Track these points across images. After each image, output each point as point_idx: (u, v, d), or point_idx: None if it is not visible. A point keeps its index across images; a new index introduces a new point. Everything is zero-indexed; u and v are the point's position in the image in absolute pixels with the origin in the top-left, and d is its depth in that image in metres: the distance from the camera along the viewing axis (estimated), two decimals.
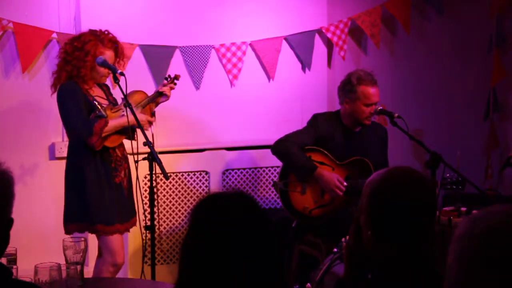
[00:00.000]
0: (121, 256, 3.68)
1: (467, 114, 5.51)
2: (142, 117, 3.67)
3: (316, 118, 4.10)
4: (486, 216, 1.23)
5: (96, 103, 3.65)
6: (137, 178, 3.60)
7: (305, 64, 5.03)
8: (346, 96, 4.01)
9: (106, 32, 3.70)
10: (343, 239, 2.89)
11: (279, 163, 4.09)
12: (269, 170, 4.93)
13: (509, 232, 1.19)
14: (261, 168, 4.90)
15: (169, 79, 3.99)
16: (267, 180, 4.93)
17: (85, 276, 2.68)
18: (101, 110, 3.61)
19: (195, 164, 4.69)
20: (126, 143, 3.75)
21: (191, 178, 4.69)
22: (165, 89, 3.88)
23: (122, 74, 3.56)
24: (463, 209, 3.89)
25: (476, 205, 3.84)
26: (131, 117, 3.53)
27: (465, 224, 1.25)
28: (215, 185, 4.74)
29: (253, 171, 4.88)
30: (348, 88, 4.00)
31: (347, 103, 4.02)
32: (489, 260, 1.18)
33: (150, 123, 3.70)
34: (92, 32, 3.69)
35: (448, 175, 3.87)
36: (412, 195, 1.83)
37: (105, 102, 3.73)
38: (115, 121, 3.61)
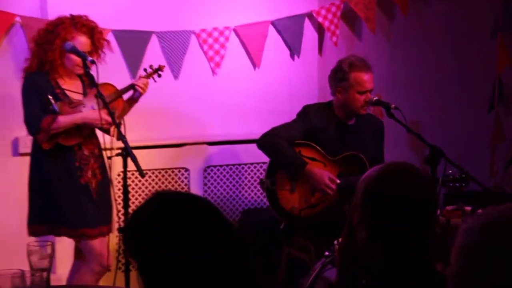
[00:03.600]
0: (108, 258, 3.71)
1: (470, 105, 5.53)
2: (94, 115, 3.59)
3: (306, 110, 4.09)
4: (489, 211, 1.25)
5: (51, 98, 3.59)
6: (110, 176, 3.58)
7: (294, 51, 5.02)
8: (338, 85, 4.01)
9: (83, 17, 3.66)
10: (335, 242, 2.89)
11: (265, 159, 4.08)
12: (255, 167, 4.93)
13: (508, 224, 1.20)
14: (246, 164, 4.90)
15: (149, 70, 3.95)
16: (252, 177, 4.93)
17: (52, 283, 2.66)
18: (54, 105, 3.56)
19: (174, 160, 4.68)
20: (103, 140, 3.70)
21: (169, 175, 4.69)
22: (138, 83, 3.83)
23: (93, 62, 3.53)
24: (467, 208, 3.90)
25: (480, 204, 3.86)
26: (85, 115, 3.51)
27: (466, 222, 1.27)
28: (195, 183, 4.74)
29: (237, 168, 4.88)
30: (339, 76, 4.00)
31: (340, 92, 4.02)
32: (488, 253, 1.19)
33: (110, 124, 3.57)
34: (69, 16, 3.66)
35: (450, 171, 3.88)
36: (410, 192, 1.83)
37: (78, 97, 3.70)
38: (66, 118, 3.57)
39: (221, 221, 1.58)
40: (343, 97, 4.01)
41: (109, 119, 3.54)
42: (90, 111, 3.64)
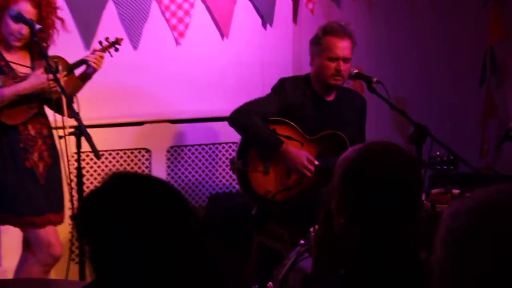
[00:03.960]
0: (59, 248, 3.68)
1: (459, 79, 5.57)
2: (39, 79, 3.53)
3: (282, 84, 4.09)
4: (477, 194, 1.25)
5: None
6: (62, 158, 3.55)
7: (266, 19, 5.01)
8: (313, 51, 4.04)
9: None
10: (311, 229, 2.91)
11: (236, 138, 4.09)
12: (224, 147, 4.93)
13: (501, 207, 1.21)
14: (214, 144, 4.90)
15: (104, 43, 3.91)
16: (221, 159, 4.94)
17: None
18: None
19: (133, 141, 4.67)
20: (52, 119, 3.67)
21: (128, 157, 4.67)
22: (91, 58, 3.76)
23: (41, 30, 3.48)
24: (455, 191, 3.94)
25: (469, 187, 3.90)
26: (29, 82, 3.47)
27: (454, 203, 1.27)
28: (157, 165, 4.72)
29: (203, 148, 4.88)
30: (314, 41, 4.05)
31: (313, 60, 4.05)
32: (477, 238, 1.19)
33: (58, 93, 3.51)
34: None
35: (438, 153, 3.91)
36: (393, 173, 1.84)
37: (26, 70, 3.64)
38: (9, 89, 3.53)
39: (183, 207, 1.58)
40: (316, 65, 4.03)
41: (56, 87, 3.50)
42: (32, 76, 3.58)
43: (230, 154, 4.91)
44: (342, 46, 3.98)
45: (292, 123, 4.02)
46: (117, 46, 3.93)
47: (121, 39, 3.97)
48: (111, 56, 3.96)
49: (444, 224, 1.25)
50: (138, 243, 1.51)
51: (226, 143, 4.92)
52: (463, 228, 1.22)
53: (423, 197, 3.82)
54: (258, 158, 4.01)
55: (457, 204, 1.26)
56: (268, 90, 4.16)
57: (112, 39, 3.93)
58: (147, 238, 1.51)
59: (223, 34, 4.92)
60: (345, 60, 3.98)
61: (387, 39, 5.43)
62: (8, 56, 3.65)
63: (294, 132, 4.03)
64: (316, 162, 3.97)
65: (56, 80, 3.45)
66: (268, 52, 5.09)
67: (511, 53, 5.55)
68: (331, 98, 4.14)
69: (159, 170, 4.73)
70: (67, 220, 3.57)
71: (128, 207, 1.54)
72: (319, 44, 4.00)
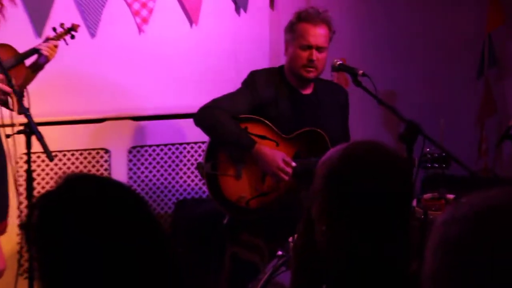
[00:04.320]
0: (2, 262, 3.66)
1: (454, 71, 5.60)
2: None
3: (253, 77, 4.09)
4: (473, 199, 1.25)
5: None
6: (8, 159, 3.52)
7: (240, 4, 5.01)
8: (287, 40, 4.06)
9: None
10: (290, 239, 2.91)
11: (206, 137, 4.08)
12: (192, 148, 4.93)
13: (501, 214, 1.21)
14: (181, 144, 4.90)
15: (59, 30, 3.89)
16: (189, 160, 4.94)
17: None
18: None
19: (90, 140, 4.66)
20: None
21: (85, 158, 4.66)
22: (43, 47, 3.76)
23: None
24: (450, 196, 3.96)
25: (465, 191, 3.91)
26: None
27: (447, 210, 1.27)
28: (118, 168, 4.72)
29: (170, 149, 4.88)
30: (288, 28, 4.07)
31: (287, 49, 4.07)
32: (472, 249, 1.19)
33: (7, 93, 3.48)
34: None
35: (428, 150, 3.92)
36: (381, 177, 1.85)
37: None
38: None
39: (145, 214, 1.57)
40: (288, 54, 4.05)
41: (6, 88, 3.47)
42: None
43: (199, 156, 4.90)
44: (316, 33, 3.99)
45: (266, 121, 4.01)
46: (73, 33, 3.92)
47: (78, 26, 3.96)
48: (67, 44, 3.95)
49: (437, 233, 1.25)
50: (95, 256, 1.49)
51: (195, 143, 4.92)
52: (458, 237, 1.21)
53: (414, 203, 3.84)
54: (229, 161, 4.01)
55: (451, 210, 1.26)
56: (239, 83, 4.15)
57: (67, 25, 3.92)
58: (104, 251, 1.50)
59: (191, 21, 4.92)
60: (319, 49, 3.98)
61: (375, 28, 5.45)
62: None
63: (268, 130, 4.03)
64: (294, 164, 3.96)
65: (9, 81, 3.42)
66: (242, 41, 5.10)
67: (510, 41, 5.58)
68: (308, 91, 4.14)
69: (119, 172, 4.72)
70: (15, 230, 3.54)
71: (84, 213, 1.53)
72: (293, 31, 4.02)
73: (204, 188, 4.87)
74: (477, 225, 1.21)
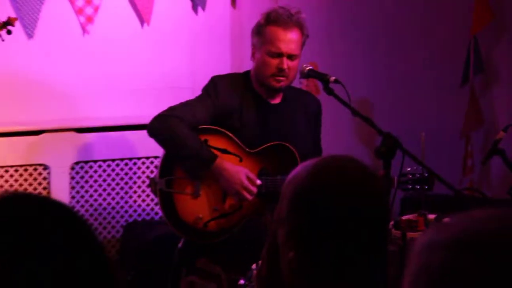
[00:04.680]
0: None
1: (436, 78, 5.64)
2: None
3: (215, 84, 4.09)
4: (458, 220, 1.24)
5: None
6: None
7: (198, 1, 5.02)
8: (254, 44, 4.05)
9: None
10: (253, 266, 2.90)
11: (159, 151, 4.07)
12: (143, 163, 4.92)
13: (489, 239, 1.21)
14: (130, 159, 4.89)
15: None
16: (139, 177, 4.93)
17: None
18: None
19: (27, 155, 4.64)
20: None
21: (21, 176, 4.63)
22: None
23: None
24: (431, 216, 3.98)
25: (449, 211, 3.93)
26: None
27: (427, 234, 1.26)
28: (58, 186, 4.69)
29: (118, 165, 4.87)
30: (255, 31, 4.05)
31: (253, 54, 4.06)
32: (458, 280, 1.18)
33: None
34: None
35: (409, 169, 3.94)
36: (354, 198, 1.85)
37: None
38: None
39: (88, 239, 1.56)
40: (256, 60, 4.04)
41: None
42: None
43: (151, 172, 4.89)
44: (288, 39, 3.98)
45: (228, 133, 4.02)
46: (9, 27, 3.90)
47: (15, 19, 3.94)
48: (3, 40, 3.93)
49: (416, 259, 1.24)
50: (31, 285, 1.48)
51: (147, 158, 4.91)
52: (440, 265, 1.21)
53: (391, 225, 3.85)
54: (186, 177, 4.00)
55: (432, 232, 1.25)
56: (199, 91, 4.15)
57: (2, 19, 3.90)
58: (40, 282, 1.49)
59: (143, 20, 4.92)
60: (291, 56, 3.98)
61: (349, 29, 5.47)
62: None
63: (231, 144, 4.03)
64: (259, 182, 3.97)
65: None
66: (200, 43, 5.10)
67: (498, 44, 5.64)
68: (276, 101, 4.15)
69: (60, 191, 4.68)
70: None
71: (18, 237, 1.51)
72: (261, 34, 4.01)
73: (157, 208, 4.85)
74: (462, 252, 1.21)
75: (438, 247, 1.22)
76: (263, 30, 3.99)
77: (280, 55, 3.96)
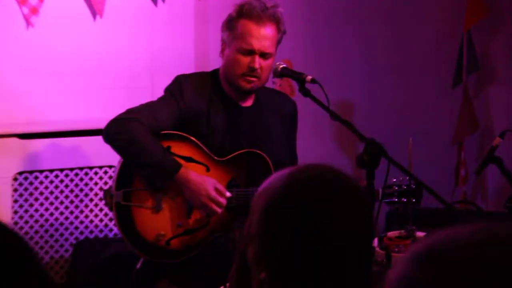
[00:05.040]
0: None
1: (425, 77, 5.67)
2: None
3: (180, 83, 4.08)
4: (444, 245, 1.26)
5: None
6: None
7: None
8: (224, 39, 4.05)
9: None
10: None
11: (115, 160, 4.05)
12: (96, 173, 4.92)
13: (480, 272, 1.22)
14: (82, 169, 4.88)
15: None
16: (92, 190, 4.93)
17: None
18: None
19: None
20: None
21: None
22: None
23: None
24: (420, 234, 4.00)
25: (439, 227, 3.95)
26: None
27: (413, 247, 1.27)
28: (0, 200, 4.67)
29: (67, 175, 4.86)
30: (226, 24, 4.05)
31: (223, 50, 4.06)
32: None
33: None
34: None
35: (394, 179, 3.96)
36: (334, 212, 1.85)
37: None
38: None
39: (28, 262, 1.55)
40: (225, 57, 4.04)
41: None
42: None
43: (105, 183, 4.89)
44: (261, 35, 3.98)
45: (194, 139, 4.02)
46: None
47: None
48: None
49: (396, 275, 1.26)
50: None
51: (100, 168, 4.91)
52: (426, 282, 1.22)
53: (375, 243, 3.87)
54: (146, 189, 3.99)
55: (417, 246, 1.27)
56: (160, 92, 4.14)
57: None
58: None
59: (95, 12, 4.92)
60: (264, 55, 3.98)
61: (327, 23, 5.50)
62: None
63: (197, 151, 4.03)
64: (228, 194, 3.97)
65: None
66: (160, 38, 5.11)
67: (495, 39, 5.67)
68: (248, 103, 4.15)
69: (1, 205, 4.68)
70: None
71: None
72: (232, 28, 4.01)
73: (112, 224, 4.84)
74: (421, 261, 1.23)
75: (419, 281, 1.23)
76: (234, 24, 3.99)
77: (252, 52, 3.96)
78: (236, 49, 3.97)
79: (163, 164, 3.90)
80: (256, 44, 3.95)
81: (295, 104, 4.32)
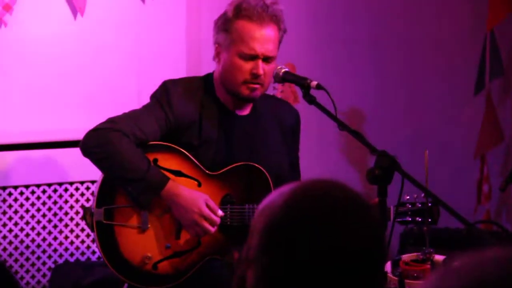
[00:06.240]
0: None
1: (444, 84, 5.67)
2: None
3: (168, 89, 4.08)
4: (467, 268, 1.24)
5: None
6: None
7: None
8: (218, 41, 4.03)
9: None
10: None
11: (97, 175, 4.05)
12: (76, 189, 4.94)
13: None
14: (60, 185, 4.90)
15: None
16: (72, 207, 4.94)
17: None
18: None
19: None
20: None
21: None
22: None
23: None
24: (439, 257, 3.99)
25: (460, 250, 3.95)
26: None
27: (432, 279, 1.26)
28: None
29: (44, 191, 4.87)
30: (221, 25, 4.03)
31: (218, 54, 4.04)
32: None
33: None
34: None
35: (408, 197, 3.95)
36: (341, 232, 1.85)
37: None
38: None
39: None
40: (222, 62, 4.03)
41: None
42: None
43: (87, 200, 4.90)
44: (264, 38, 3.96)
45: (184, 151, 4.02)
46: None
47: None
48: None
49: None
50: None
51: (81, 183, 4.93)
52: None
53: (388, 267, 3.86)
54: (130, 206, 3.99)
55: (437, 279, 1.25)
56: (147, 98, 4.14)
57: None
58: None
59: (75, 10, 4.93)
60: (267, 59, 3.97)
61: (334, 22, 5.51)
62: None
63: (187, 164, 4.03)
64: (221, 213, 3.97)
65: None
66: (148, 39, 5.13)
67: None
68: (245, 112, 4.15)
69: None
70: None
71: None
72: (228, 30, 3.99)
73: (94, 246, 4.84)
74: None
75: None
76: (232, 25, 3.97)
77: (254, 57, 3.94)
78: (236, 53, 3.94)
79: (148, 179, 3.89)
80: (259, 48, 3.93)
81: (297, 114, 4.31)
